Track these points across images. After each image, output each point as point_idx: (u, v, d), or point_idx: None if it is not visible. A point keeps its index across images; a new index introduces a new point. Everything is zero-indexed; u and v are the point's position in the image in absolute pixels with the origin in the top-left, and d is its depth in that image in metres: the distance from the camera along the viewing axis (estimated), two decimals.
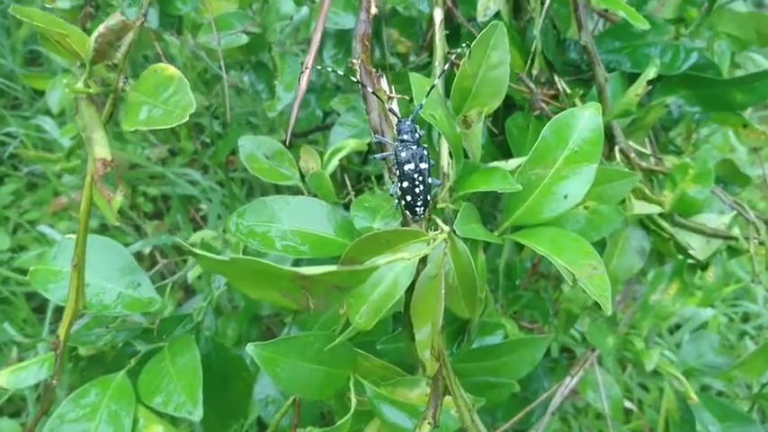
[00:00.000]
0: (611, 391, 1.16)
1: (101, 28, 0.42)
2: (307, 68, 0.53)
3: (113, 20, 0.41)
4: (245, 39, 1.14)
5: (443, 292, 0.43)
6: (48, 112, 1.99)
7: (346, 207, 0.94)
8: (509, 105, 1.08)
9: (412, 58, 1.37)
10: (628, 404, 1.72)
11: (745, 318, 2.27)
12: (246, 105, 2.10)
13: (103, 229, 2.05)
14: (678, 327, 2.14)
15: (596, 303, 0.94)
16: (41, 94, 1.91)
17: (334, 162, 0.86)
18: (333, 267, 0.39)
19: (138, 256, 1.97)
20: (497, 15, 1.00)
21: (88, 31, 1.31)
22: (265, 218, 0.59)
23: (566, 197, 0.54)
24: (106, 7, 1.27)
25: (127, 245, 1.95)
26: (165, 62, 1.29)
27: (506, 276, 1.01)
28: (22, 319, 1.68)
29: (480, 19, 0.99)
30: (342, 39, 1.15)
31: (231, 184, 2.03)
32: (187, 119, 0.44)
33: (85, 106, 0.50)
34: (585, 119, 0.53)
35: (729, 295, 2.19)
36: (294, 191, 0.89)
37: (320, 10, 0.57)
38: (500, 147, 1.02)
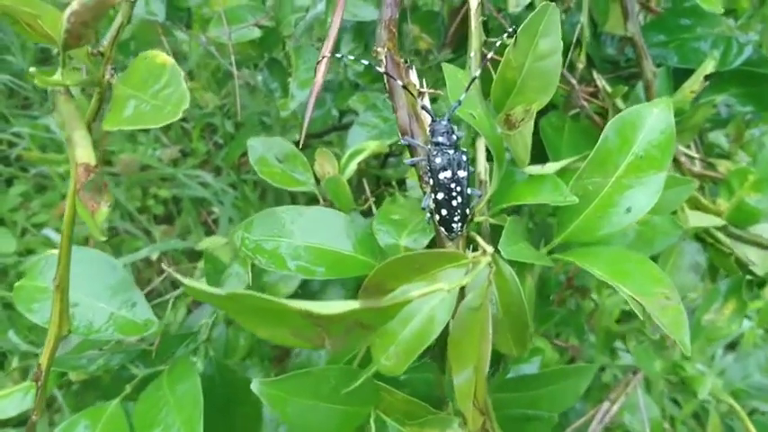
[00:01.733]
0: (651, 412, 1.07)
1: (74, 4, 0.34)
2: (324, 57, 0.46)
3: None
4: (257, 32, 1.07)
5: (490, 328, 0.35)
6: None
7: (364, 214, 0.87)
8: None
9: (431, 56, 1.29)
10: None
11: None
12: (260, 105, 2.03)
13: (113, 234, 2.00)
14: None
15: (640, 322, 0.83)
16: None
17: (353, 166, 0.78)
18: (354, 304, 0.32)
19: (147, 260, 1.91)
20: (530, 6, 0.92)
21: None
22: (275, 232, 0.52)
23: (628, 210, 0.45)
24: None
25: (136, 249, 1.89)
26: (174, 59, 1.22)
27: (538, 291, 0.92)
28: (28, 327, 1.62)
29: (512, 9, 0.91)
30: (361, 32, 1.08)
31: (243, 187, 1.96)
32: (180, 116, 0.36)
33: (63, 102, 0.42)
34: (654, 117, 0.45)
35: (765, 306, 2.08)
36: (309, 196, 0.81)
37: None
38: (533, 147, 0.94)
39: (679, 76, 0.88)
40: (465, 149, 0.45)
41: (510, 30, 0.45)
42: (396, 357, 0.37)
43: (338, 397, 0.49)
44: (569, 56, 0.80)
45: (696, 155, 0.93)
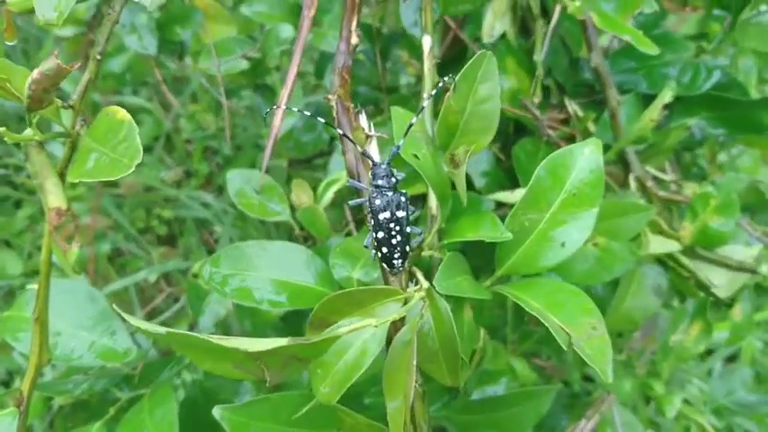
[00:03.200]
0: (634, 430, 1.08)
1: (34, 73, 0.38)
2: (278, 108, 0.49)
3: (48, 64, 0.38)
4: (245, 64, 1.12)
5: (415, 362, 0.38)
6: None
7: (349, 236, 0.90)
8: (519, 129, 1.02)
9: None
10: None
11: None
12: (260, 126, 2.08)
13: (117, 254, 2.05)
14: (710, 352, 2.03)
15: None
16: None
17: (329, 195, 0.81)
18: (284, 340, 0.35)
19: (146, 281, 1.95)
20: (504, 36, 0.96)
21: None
22: (241, 266, 0.55)
23: (563, 245, 0.48)
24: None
25: (139, 269, 1.94)
26: (167, 87, 1.26)
27: (515, 311, 0.95)
28: None
29: (486, 40, 0.94)
30: None
31: None
32: (133, 170, 0.40)
33: (35, 153, 0.46)
34: (585, 158, 0.48)
35: (764, 319, 2.07)
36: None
37: (295, 49, 0.53)
38: (509, 173, 0.97)
39: (649, 102, 0.91)
40: (404, 191, 0.48)
41: (449, 76, 0.49)
42: (331, 387, 0.40)
43: (298, 421, 0.52)
44: (533, 85, 0.83)
45: (668, 177, 0.95)
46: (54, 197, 0.47)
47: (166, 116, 2.13)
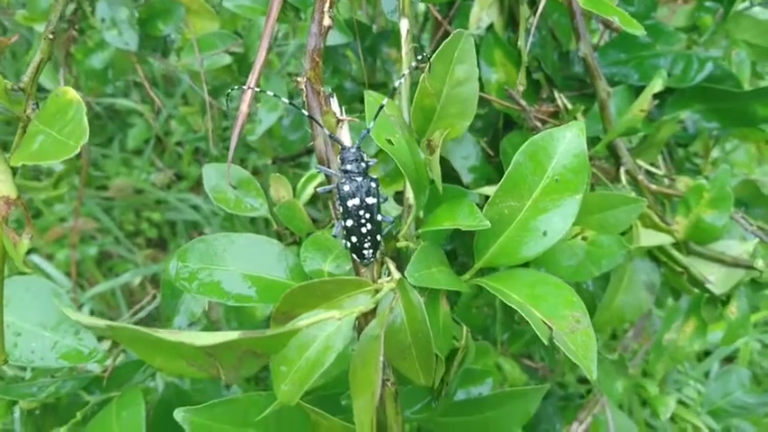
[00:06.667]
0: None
1: None
2: (246, 89, 0.47)
3: None
4: (228, 59, 1.09)
5: (382, 358, 0.35)
6: None
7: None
8: (509, 123, 1.00)
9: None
10: None
11: None
12: (249, 125, 2.05)
13: (107, 256, 2.01)
14: (707, 353, 2.01)
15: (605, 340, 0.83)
16: None
17: (309, 190, 0.78)
18: (235, 334, 0.32)
19: (141, 283, 1.92)
20: (491, 27, 0.93)
21: (72, 55, 1.24)
22: (208, 260, 0.52)
23: (545, 234, 0.45)
24: (89, 30, 1.23)
25: (126, 272, 1.91)
26: (150, 85, 1.23)
27: (504, 309, 0.92)
28: None
29: (473, 31, 0.92)
30: (327, 56, 1.09)
31: None
32: (78, 151, 0.37)
33: None
34: (567, 142, 0.45)
35: (761, 320, 2.05)
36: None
37: (264, 30, 0.50)
38: (498, 168, 0.94)
39: (640, 94, 0.88)
40: (375, 176, 0.46)
41: (424, 55, 0.46)
42: (291, 385, 0.37)
43: (267, 424, 0.49)
44: (519, 74, 0.80)
45: (661, 170, 0.93)
46: (2, 185, 0.44)
47: (156, 118, 2.11)
